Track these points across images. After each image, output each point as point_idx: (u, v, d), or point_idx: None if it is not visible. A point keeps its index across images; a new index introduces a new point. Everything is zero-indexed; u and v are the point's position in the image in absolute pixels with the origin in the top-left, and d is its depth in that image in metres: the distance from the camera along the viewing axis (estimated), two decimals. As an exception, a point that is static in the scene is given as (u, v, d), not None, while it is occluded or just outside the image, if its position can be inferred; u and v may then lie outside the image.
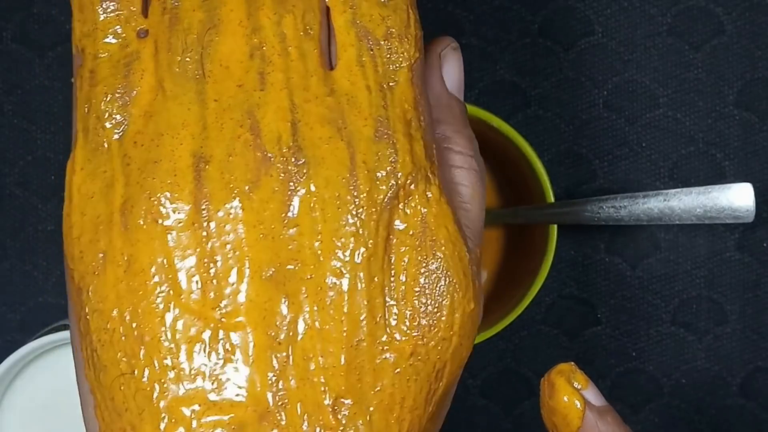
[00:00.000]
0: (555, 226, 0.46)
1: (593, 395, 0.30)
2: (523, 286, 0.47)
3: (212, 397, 0.24)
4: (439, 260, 0.25)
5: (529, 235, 0.50)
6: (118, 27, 0.26)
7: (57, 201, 0.52)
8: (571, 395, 0.30)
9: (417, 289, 0.25)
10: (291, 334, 0.25)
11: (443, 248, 0.26)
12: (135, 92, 0.26)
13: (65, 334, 0.45)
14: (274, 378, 0.24)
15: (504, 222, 0.50)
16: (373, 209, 0.25)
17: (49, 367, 0.47)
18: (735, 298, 0.52)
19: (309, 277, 0.25)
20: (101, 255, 0.25)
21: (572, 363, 0.30)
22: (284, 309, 0.25)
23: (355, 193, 0.25)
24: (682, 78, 0.52)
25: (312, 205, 0.25)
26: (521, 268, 0.49)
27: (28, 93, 0.52)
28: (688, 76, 0.52)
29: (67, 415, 0.47)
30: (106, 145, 0.25)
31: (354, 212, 0.25)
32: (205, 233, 0.25)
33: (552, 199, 0.46)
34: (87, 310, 0.25)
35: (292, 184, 0.25)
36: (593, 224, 0.49)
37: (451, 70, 0.29)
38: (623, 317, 0.52)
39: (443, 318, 0.25)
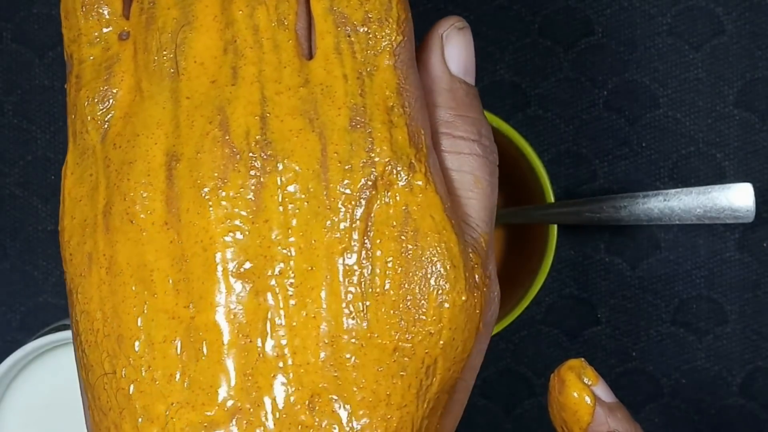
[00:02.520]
0: (555, 226, 0.46)
1: (603, 391, 0.30)
2: (523, 286, 0.47)
3: (185, 395, 0.24)
4: (422, 251, 0.25)
5: (529, 235, 0.50)
6: (100, 31, 0.26)
7: (57, 201, 0.52)
8: (581, 391, 0.29)
9: (398, 281, 0.24)
10: (264, 331, 0.24)
11: (428, 238, 0.25)
12: (116, 94, 0.26)
13: (65, 334, 0.45)
14: (246, 376, 0.24)
15: (504, 222, 0.50)
16: (347, 201, 0.24)
17: (49, 367, 0.47)
18: (735, 298, 0.52)
19: (280, 273, 0.24)
20: (87, 257, 0.25)
21: (582, 359, 0.30)
22: (256, 306, 0.24)
23: (327, 185, 0.24)
24: (682, 78, 0.52)
25: (281, 199, 0.24)
26: (521, 268, 0.49)
27: (28, 93, 0.52)
28: (688, 76, 0.52)
29: (67, 415, 0.47)
30: (91, 149, 0.25)
31: (327, 205, 0.24)
32: (176, 232, 0.24)
33: (552, 199, 0.46)
34: (76, 311, 0.25)
35: (261, 178, 0.24)
36: (593, 224, 0.49)
37: (456, 51, 0.28)
38: (623, 317, 0.52)
39: (429, 311, 0.25)
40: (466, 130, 0.27)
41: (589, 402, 0.29)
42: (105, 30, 0.26)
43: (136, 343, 0.24)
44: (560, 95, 0.52)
